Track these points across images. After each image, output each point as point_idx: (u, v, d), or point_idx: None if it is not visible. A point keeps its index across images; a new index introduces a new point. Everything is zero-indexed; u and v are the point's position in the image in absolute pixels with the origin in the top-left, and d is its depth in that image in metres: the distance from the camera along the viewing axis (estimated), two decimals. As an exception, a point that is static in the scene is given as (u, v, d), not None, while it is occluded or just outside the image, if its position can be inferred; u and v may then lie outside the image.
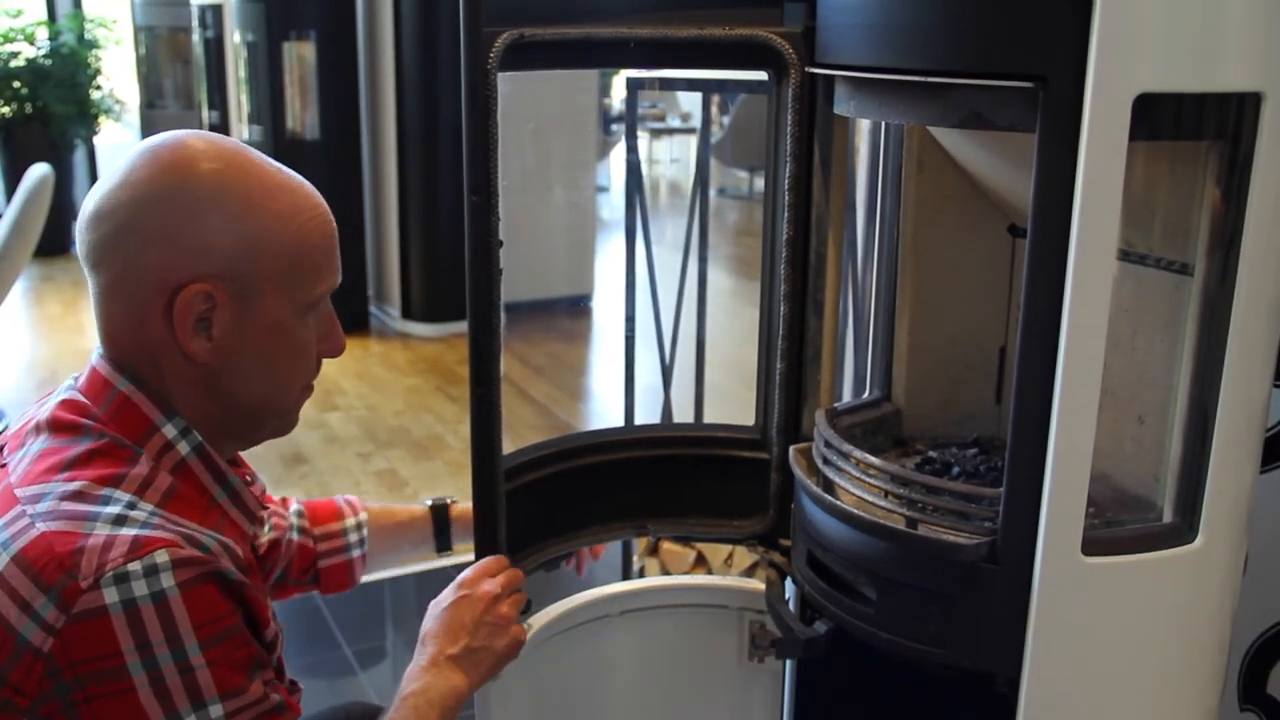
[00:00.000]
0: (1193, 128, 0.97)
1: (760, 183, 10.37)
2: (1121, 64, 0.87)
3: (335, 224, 1.02)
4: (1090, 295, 0.91)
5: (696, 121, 10.34)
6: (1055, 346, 0.92)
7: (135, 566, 0.82)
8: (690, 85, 2.90)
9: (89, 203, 0.96)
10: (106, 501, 0.87)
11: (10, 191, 6.50)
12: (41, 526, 0.84)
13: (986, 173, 1.19)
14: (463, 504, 1.41)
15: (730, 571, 2.33)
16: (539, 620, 1.31)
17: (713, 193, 9.51)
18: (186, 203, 0.93)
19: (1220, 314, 0.98)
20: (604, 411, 4.58)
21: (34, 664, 0.80)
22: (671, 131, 10.80)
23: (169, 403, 0.97)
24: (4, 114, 6.79)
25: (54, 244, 6.57)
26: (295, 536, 1.31)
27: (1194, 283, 1.02)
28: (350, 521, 1.36)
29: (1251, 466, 1.06)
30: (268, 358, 0.99)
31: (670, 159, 11.43)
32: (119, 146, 7.84)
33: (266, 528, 1.27)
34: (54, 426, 0.95)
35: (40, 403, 1.03)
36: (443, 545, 1.42)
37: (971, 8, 0.92)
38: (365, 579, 1.40)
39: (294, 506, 1.34)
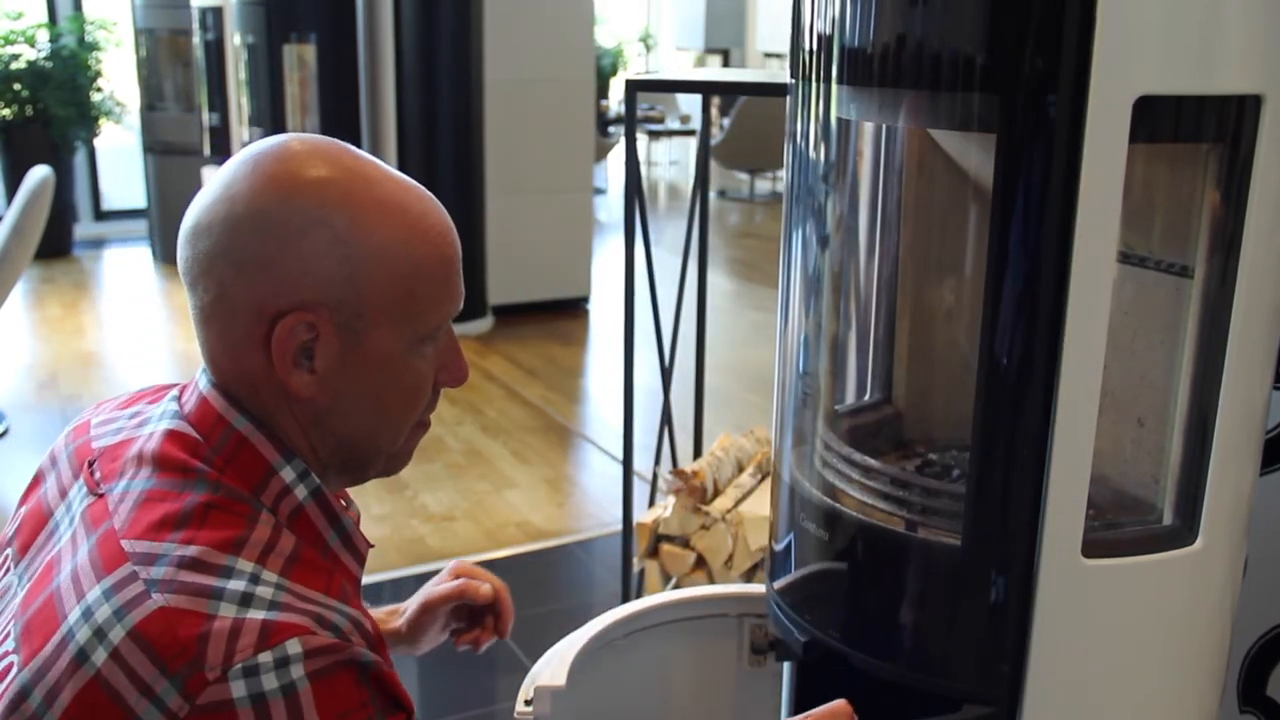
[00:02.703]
0: (1193, 130, 0.97)
1: (760, 184, 10.39)
2: (1122, 66, 0.87)
3: (458, 241, 0.92)
4: (1090, 297, 0.91)
5: (696, 123, 10.35)
6: (1056, 348, 0.93)
7: (266, 658, 0.75)
8: (690, 86, 2.91)
9: (189, 214, 0.88)
10: (229, 574, 0.79)
11: (11, 193, 6.51)
12: (159, 599, 0.77)
13: (986, 175, 1.19)
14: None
15: (730, 574, 2.33)
16: (557, 658, 1.30)
17: (712, 195, 9.53)
18: (286, 223, 0.84)
19: (1220, 316, 0.98)
20: (601, 414, 4.58)
21: None
22: (670, 133, 10.81)
23: (286, 442, 0.89)
24: (5, 116, 6.80)
25: (54, 246, 6.59)
26: None
27: (1194, 285, 1.02)
28: None
29: (1252, 469, 1.06)
30: (378, 393, 0.90)
31: (669, 161, 11.44)
32: (120, 148, 7.85)
33: None
34: (161, 463, 0.86)
35: (133, 413, 0.95)
36: None
37: (972, 10, 0.92)
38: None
39: None
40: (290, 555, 0.84)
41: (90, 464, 0.92)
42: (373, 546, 0.98)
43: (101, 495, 0.88)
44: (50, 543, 0.90)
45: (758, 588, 1.42)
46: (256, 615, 0.77)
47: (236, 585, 0.79)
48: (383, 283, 0.86)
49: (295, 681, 0.76)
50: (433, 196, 0.92)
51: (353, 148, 0.90)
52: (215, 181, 0.88)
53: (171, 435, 0.88)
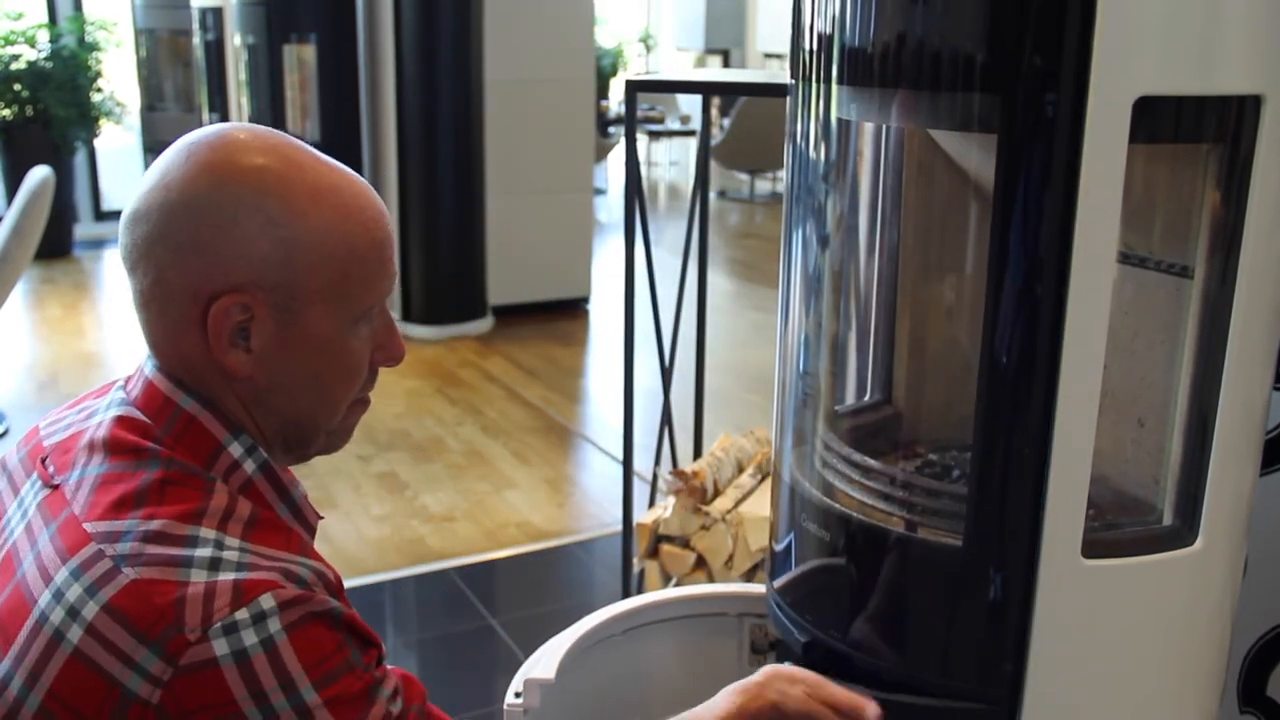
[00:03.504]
0: (1193, 130, 0.97)
1: (761, 185, 10.37)
2: (1122, 67, 0.87)
3: (390, 225, 0.95)
4: (1090, 297, 0.91)
5: (696, 124, 10.34)
6: (1056, 349, 0.93)
7: (243, 615, 0.79)
8: (690, 87, 2.91)
9: (129, 201, 0.90)
10: (194, 543, 0.82)
11: (11, 194, 6.51)
12: (130, 573, 0.80)
13: (986, 175, 1.19)
14: None
15: (730, 574, 2.33)
16: (549, 652, 1.31)
17: (712, 195, 9.53)
18: (220, 208, 0.86)
19: (1220, 316, 0.98)
20: (601, 414, 4.58)
21: (144, 713, 0.77)
22: (670, 134, 10.80)
23: (232, 419, 0.91)
24: (5, 116, 6.80)
25: (54, 246, 6.59)
26: None
27: (1194, 285, 1.02)
28: None
29: (1252, 469, 1.06)
30: (315, 371, 0.92)
31: (669, 161, 11.44)
32: (120, 149, 7.85)
33: None
34: (112, 448, 0.89)
35: (80, 409, 0.97)
36: None
37: (972, 11, 0.93)
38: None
39: None
40: (249, 519, 0.87)
41: (43, 460, 0.94)
42: (322, 518, 1.01)
43: (56, 486, 0.90)
44: (2, 538, 0.92)
45: (758, 587, 1.42)
46: (227, 576, 0.80)
47: (203, 552, 0.82)
48: (317, 264, 0.88)
49: (273, 635, 0.79)
50: (366, 182, 0.95)
51: (290, 137, 0.93)
52: (154, 169, 0.90)
53: (120, 420, 0.90)
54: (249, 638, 0.78)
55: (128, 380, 0.96)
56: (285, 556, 0.86)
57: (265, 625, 0.79)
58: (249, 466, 0.91)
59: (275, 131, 0.93)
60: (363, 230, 0.91)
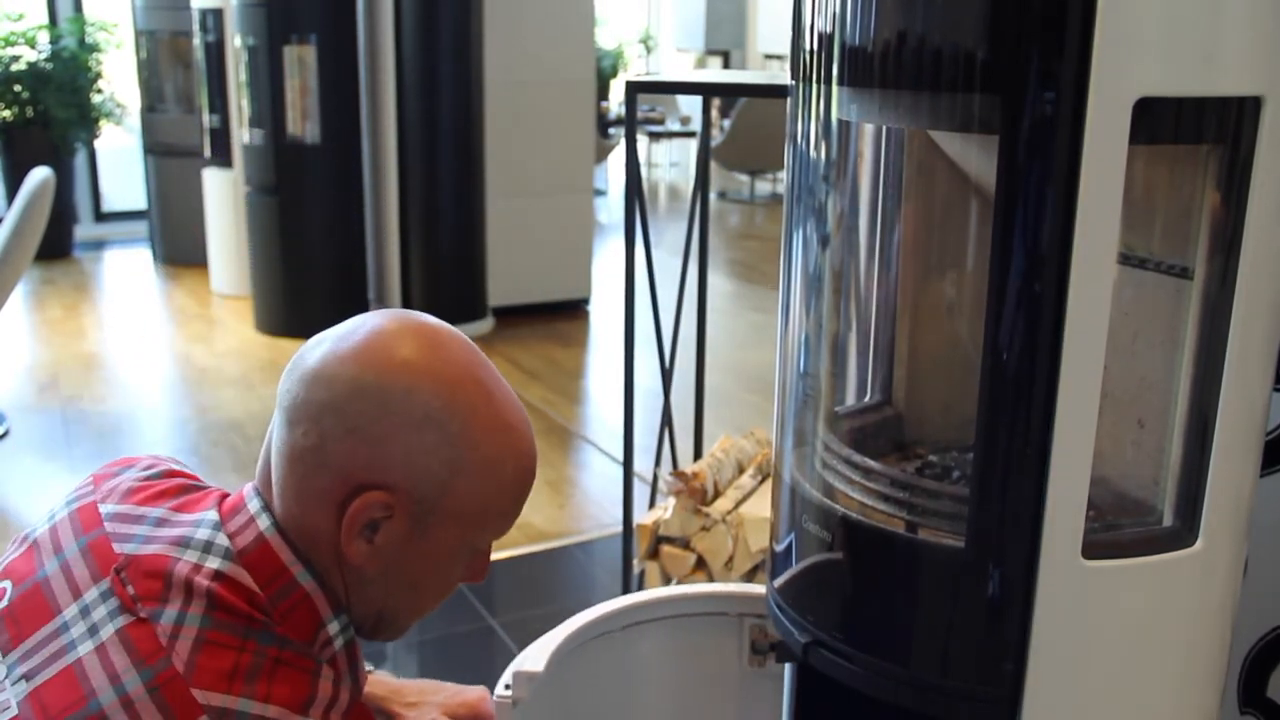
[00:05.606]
0: (1193, 131, 0.97)
1: (761, 186, 10.38)
2: (1122, 68, 0.87)
3: (536, 472, 0.98)
4: (1091, 299, 0.91)
5: (696, 125, 10.34)
6: (1056, 350, 0.93)
7: None
8: (690, 88, 2.91)
9: (313, 352, 0.91)
10: None
11: (11, 195, 6.51)
12: None
13: (986, 176, 1.19)
14: None
15: (731, 575, 2.33)
16: (542, 644, 1.31)
17: (713, 196, 9.52)
18: (408, 413, 0.88)
19: (1220, 317, 0.98)
20: (601, 416, 4.58)
21: None
22: (671, 135, 10.80)
23: (337, 597, 0.93)
24: (5, 118, 6.80)
25: (55, 248, 6.59)
26: None
27: (1194, 286, 1.02)
28: None
29: (1252, 470, 1.06)
30: (419, 580, 0.96)
31: (670, 162, 11.44)
32: (120, 150, 7.86)
33: None
34: (217, 604, 0.87)
35: (159, 520, 0.93)
36: None
37: (972, 12, 0.93)
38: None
39: None
40: (345, 709, 0.89)
41: (118, 571, 0.89)
42: (371, 671, 1.06)
43: (143, 619, 0.86)
44: (58, 643, 0.87)
45: (758, 587, 1.42)
46: None
47: None
48: (469, 493, 0.91)
49: None
50: (530, 428, 0.97)
51: (485, 360, 0.95)
52: (352, 337, 0.91)
53: (227, 581, 0.88)
54: None
55: (223, 506, 0.94)
56: None
57: None
58: (338, 643, 0.94)
59: (471, 345, 0.95)
60: (518, 476, 0.94)
